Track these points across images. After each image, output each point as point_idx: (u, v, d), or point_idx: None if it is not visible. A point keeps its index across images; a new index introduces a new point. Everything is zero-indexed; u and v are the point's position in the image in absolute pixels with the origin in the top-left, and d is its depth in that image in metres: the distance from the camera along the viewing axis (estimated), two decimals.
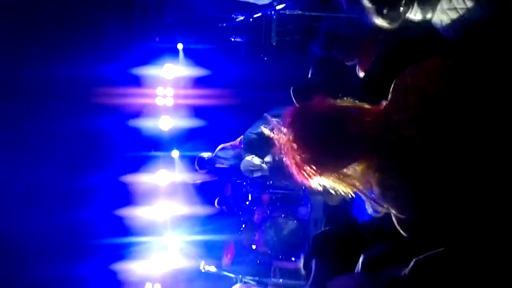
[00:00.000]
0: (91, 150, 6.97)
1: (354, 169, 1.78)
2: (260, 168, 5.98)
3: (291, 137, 1.79)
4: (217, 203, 7.38)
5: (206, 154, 6.75)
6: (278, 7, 5.06)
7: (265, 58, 6.02)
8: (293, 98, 2.91)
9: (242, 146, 6.16)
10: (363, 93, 2.34)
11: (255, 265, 7.02)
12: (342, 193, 1.84)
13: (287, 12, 5.07)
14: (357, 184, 1.79)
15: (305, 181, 1.81)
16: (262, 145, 5.86)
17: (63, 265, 6.44)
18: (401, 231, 1.81)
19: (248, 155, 5.94)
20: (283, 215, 7.08)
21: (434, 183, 1.69)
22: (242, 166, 6.05)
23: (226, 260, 7.08)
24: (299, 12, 5.10)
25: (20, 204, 6.50)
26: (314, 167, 1.77)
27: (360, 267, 2.19)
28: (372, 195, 1.81)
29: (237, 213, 7.36)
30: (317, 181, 1.80)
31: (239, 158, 6.41)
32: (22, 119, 6.54)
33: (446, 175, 1.68)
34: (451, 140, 1.69)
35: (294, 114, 1.83)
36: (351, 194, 1.84)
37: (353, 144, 1.74)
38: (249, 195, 7.29)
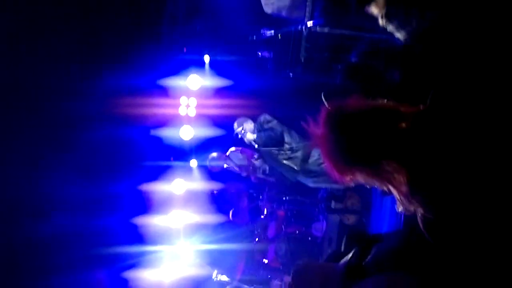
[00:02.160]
0: (112, 159, 7.05)
1: (387, 166, 1.81)
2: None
3: (326, 131, 1.85)
4: (232, 215, 7.41)
5: (216, 153, 6.81)
6: (308, 24, 5.14)
7: (291, 75, 6.08)
8: (325, 102, 2.96)
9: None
10: (399, 95, 2.40)
11: (266, 279, 7.01)
12: (379, 188, 1.88)
13: (318, 29, 5.15)
14: (388, 180, 1.82)
15: (339, 177, 1.86)
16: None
17: (79, 272, 6.48)
18: (426, 234, 1.84)
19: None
20: (297, 231, 7.08)
21: (461, 186, 1.73)
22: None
23: (237, 271, 7.08)
24: (329, 30, 5.18)
25: (39, 211, 6.56)
26: (347, 161, 1.83)
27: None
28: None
29: (251, 226, 7.38)
30: (351, 177, 1.86)
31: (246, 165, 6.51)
32: (48, 127, 6.63)
33: (473, 179, 1.72)
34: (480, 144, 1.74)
35: (332, 110, 1.88)
36: (386, 192, 1.88)
37: (387, 140, 1.78)
38: (265, 209, 7.31)
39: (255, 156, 6.54)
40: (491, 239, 1.76)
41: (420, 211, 1.82)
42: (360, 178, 1.87)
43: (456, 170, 1.74)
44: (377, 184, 1.88)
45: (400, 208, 1.88)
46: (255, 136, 6.12)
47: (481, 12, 2.95)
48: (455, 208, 1.76)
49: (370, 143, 1.80)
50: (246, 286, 6.39)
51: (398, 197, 1.85)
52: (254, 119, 6.28)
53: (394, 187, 1.83)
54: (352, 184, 1.99)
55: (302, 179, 6.15)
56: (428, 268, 1.94)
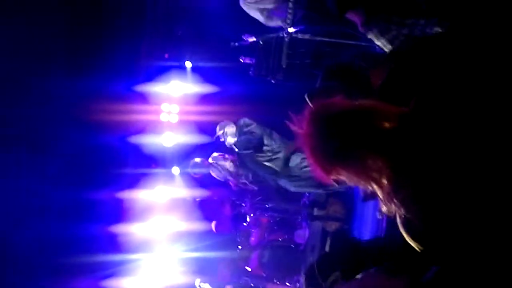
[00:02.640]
0: (93, 165, 6.98)
1: (370, 165, 1.80)
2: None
3: (311, 129, 1.84)
4: (215, 227, 7.36)
5: (199, 159, 6.74)
6: (290, 30, 5.12)
7: (273, 81, 6.06)
8: (309, 102, 2.94)
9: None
10: (382, 95, 2.40)
11: (249, 287, 6.97)
12: (361, 188, 1.88)
13: (299, 35, 5.14)
14: (372, 180, 1.82)
15: (323, 176, 1.85)
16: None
17: (54, 280, 6.39)
18: (406, 237, 1.82)
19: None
20: (280, 239, 7.06)
21: (443, 186, 1.72)
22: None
23: (221, 279, 7.03)
24: (310, 36, 5.17)
25: (15, 217, 6.46)
26: (331, 160, 1.82)
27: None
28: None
29: (234, 234, 7.33)
30: (335, 176, 1.85)
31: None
32: (27, 132, 6.54)
33: (457, 180, 1.71)
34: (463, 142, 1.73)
35: (315, 109, 1.88)
36: (368, 190, 1.87)
37: (371, 140, 1.78)
38: (248, 216, 7.28)
39: (236, 162, 6.48)
40: (473, 237, 1.75)
41: (400, 212, 1.81)
42: (345, 177, 1.86)
43: (438, 169, 1.73)
44: (361, 183, 1.86)
45: (383, 208, 1.87)
46: (235, 139, 6.07)
47: (463, 16, 2.95)
48: (436, 208, 1.74)
49: (355, 141, 1.79)
50: None
51: (381, 197, 1.84)
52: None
53: (378, 185, 1.83)
54: (336, 185, 1.98)
55: (284, 182, 6.11)
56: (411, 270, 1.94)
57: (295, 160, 5.82)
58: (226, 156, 6.57)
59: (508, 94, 1.80)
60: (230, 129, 6.17)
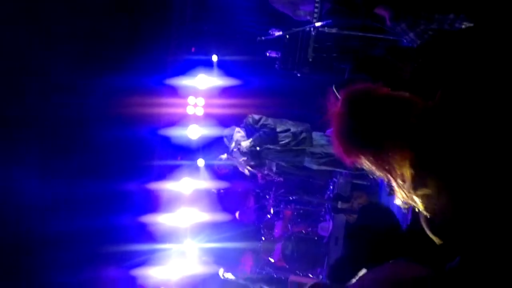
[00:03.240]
0: (121, 158, 7.08)
1: (392, 156, 1.84)
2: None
3: (343, 109, 1.90)
4: (238, 216, 7.45)
5: (225, 155, 6.80)
6: (317, 24, 5.16)
7: (299, 75, 6.10)
8: (336, 94, 2.99)
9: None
10: (411, 88, 2.45)
11: (272, 278, 7.04)
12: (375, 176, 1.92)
13: (326, 29, 5.17)
14: (391, 171, 1.85)
15: (344, 156, 1.90)
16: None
17: (85, 270, 6.53)
18: (426, 230, 1.87)
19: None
20: (303, 231, 7.11)
21: (464, 186, 1.75)
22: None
23: (244, 269, 7.12)
24: (337, 30, 5.20)
25: (47, 208, 6.60)
26: (356, 144, 1.87)
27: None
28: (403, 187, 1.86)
29: (257, 225, 7.41)
30: (356, 159, 1.89)
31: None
32: (58, 126, 6.67)
33: (479, 181, 1.74)
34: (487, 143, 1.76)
35: (352, 91, 1.94)
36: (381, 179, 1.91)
37: (397, 131, 1.82)
38: (271, 208, 7.35)
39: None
40: (495, 231, 1.77)
41: (419, 207, 1.84)
42: (364, 163, 1.90)
43: (462, 166, 1.76)
44: (379, 171, 1.89)
45: (397, 201, 1.91)
46: (250, 140, 6.08)
47: (490, 12, 2.97)
48: (459, 203, 1.77)
49: (380, 129, 1.83)
50: (251, 284, 6.43)
51: (397, 189, 1.87)
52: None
53: (395, 179, 1.86)
54: (355, 167, 2.00)
55: (307, 161, 6.13)
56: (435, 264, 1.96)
57: (316, 137, 5.86)
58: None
59: None
60: (238, 134, 6.19)
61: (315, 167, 6.14)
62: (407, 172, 1.82)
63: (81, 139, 6.82)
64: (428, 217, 1.84)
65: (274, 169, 6.59)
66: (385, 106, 1.86)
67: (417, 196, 1.82)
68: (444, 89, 1.92)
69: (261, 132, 6.03)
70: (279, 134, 5.98)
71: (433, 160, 1.79)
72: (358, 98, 1.91)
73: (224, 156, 6.74)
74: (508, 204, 1.75)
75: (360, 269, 2.61)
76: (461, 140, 1.78)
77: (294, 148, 5.99)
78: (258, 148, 6.17)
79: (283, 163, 6.28)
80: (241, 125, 6.30)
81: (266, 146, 6.07)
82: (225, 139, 6.35)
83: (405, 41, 3.91)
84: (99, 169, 6.76)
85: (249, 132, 6.18)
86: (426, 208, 1.84)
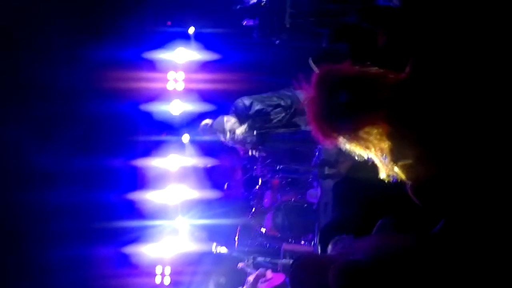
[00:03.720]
0: (101, 134, 7.02)
1: (369, 132, 1.87)
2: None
3: (316, 93, 1.91)
4: (227, 188, 7.43)
5: (209, 120, 6.72)
6: None
7: (277, 42, 6.01)
8: (314, 66, 2.96)
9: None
10: (383, 60, 2.42)
11: (265, 248, 7.07)
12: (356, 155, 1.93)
13: None
14: (370, 147, 1.89)
15: (322, 139, 1.93)
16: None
17: (75, 246, 6.51)
18: (412, 196, 1.90)
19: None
20: (293, 199, 7.11)
21: (443, 151, 1.79)
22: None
23: (236, 242, 7.14)
24: None
25: (32, 186, 6.55)
26: (332, 123, 1.89)
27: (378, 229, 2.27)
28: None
29: (247, 197, 7.40)
30: (334, 140, 1.91)
31: None
32: (34, 102, 6.57)
33: (456, 145, 1.78)
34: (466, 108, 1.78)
35: (322, 73, 1.95)
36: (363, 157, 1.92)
37: (371, 107, 1.85)
38: (259, 179, 7.33)
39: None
40: (476, 193, 1.80)
41: (402, 177, 1.87)
42: (342, 142, 1.93)
43: (437, 133, 1.79)
44: (358, 149, 1.92)
45: (381, 173, 1.93)
46: (245, 126, 5.98)
47: None
48: (438, 170, 1.81)
49: (353, 108, 1.86)
50: (245, 256, 6.45)
51: (379, 163, 1.92)
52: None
53: (376, 152, 1.89)
54: (333, 146, 2.01)
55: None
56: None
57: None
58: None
59: (502, 57, 1.81)
60: (228, 123, 6.08)
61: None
62: (386, 145, 1.86)
63: (63, 115, 6.73)
64: (411, 184, 1.87)
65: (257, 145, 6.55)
66: (357, 85, 1.87)
67: (398, 167, 1.86)
68: (414, 59, 1.93)
69: (254, 120, 5.96)
70: (271, 113, 5.93)
71: (409, 130, 1.82)
72: (329, 80, 1.92)
73: (208, 121, 6.65)
74: (488, 168, 1.77)
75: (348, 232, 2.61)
76: (434, 108, 1.80)
77: (288, 122, 5.94)
78: (255, 132, 6.07)
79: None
80: (230, 113, 6.21)
81: (264, 131, 6.00)
82: (218, 134, 6.23)
83: (381, 0, 3.85)
84: (81, 145, 6.69)
85: (242, 117, 6.07)
86: (408, 178, 1.87)
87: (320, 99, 1.90)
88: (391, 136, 1.83)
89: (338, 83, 1.89)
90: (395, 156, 1.84)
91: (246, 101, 6.01)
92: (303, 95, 1.99)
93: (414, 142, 1.81)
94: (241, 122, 6.04)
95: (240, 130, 6.02)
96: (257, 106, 5.96)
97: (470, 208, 1.81)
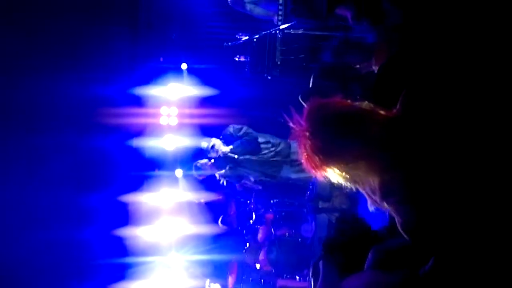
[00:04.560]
0: (95, 169, 6.98)
1: (359, 167, 1.88)
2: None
3: (307, 126, 1.91)
4: (221, 222, 7.39)
5: (203, 160, 6.74)
6: (282, 27, 5.13)
7: (269, 77, 6.07)
8: (304, 103, 2.98)
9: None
10: (374, 96, 2.44)
11: (259, 284, 7.00)
12: (347, 187, 1.95)
13: (292, 31, 5.14)
14: (360, 181, 1.90)
15: (312, 171, 1.93)
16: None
17: (65, 285, 6.42)
18: (402, 233, 1.88)
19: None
20: (287, 234, 7.07)
21: (432, 190, 1.78)
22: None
23: (230, 279, 7.06)
24: (303, 31, 5.18)
25: (19, 222, 6.47)
26: (322, 157, 1.88)
27: (370, 263, 2.24)
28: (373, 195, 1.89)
29: (241, 232, 7.36)
30: (323, 172, 1.92)
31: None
32: (23, 137, 6.54)
33: (445, 183, 1.77)
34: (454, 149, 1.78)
35: (313, 107, 1.95)
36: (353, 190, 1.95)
37: (361, 143, 1.85)
38: (253, 213, 7.30)
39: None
40: (465, 232, 1.79)
41: (392, 213, 1.86)
42: (332, 176, 1.93)
43: (427, 171, 1.79)
44: (347, 183, 1.93)
45: (370, 207, 1.94)
46: (230, 147, 6.07)
47: (454, 11, 2.95)
48: (427, 207, 1.79)
49: (344, 143, 1.86)
50: None
51: (368, 198, 1.92)
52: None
53: (364, 188, 1.90)
54: (326, 180, 2.01)
55: (285, 171, 6.16)
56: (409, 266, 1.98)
57: (294, 144, 5.87)
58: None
59: (494, 95, 1.83)
60: (216, 140, 6.18)
61: (293, 175, 6.18)
62: (375, 180, 1.86)
63: (54, 151, 6.70)
64: (400, 220, 1.85)
65: (252, 179, 6.58)
66: (348, 119, 1.88)
67: (387, 203, 1.85)
68: (405, 96, 1.94)
69: (243, 140, 6.02)
70: (261, 145, 6.01)
71: (398, 168, 1.81)
72: (320, 113, 1.93)
73: (202, 161, 6.68)
74: (475, 211, 1.76)
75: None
76: (423, 147, 1.80)
77: (271, 159, 6.03)
78: (236, 157, 6.14)
79: (257, 174, 6.27)
80: (220, 137, 6.28)
81: (245, 156, 6.06)
82: (211, 151, 6.28)
83: (370, 38, 3.89)
84: (72, 182, 6.64)
85: (228, 141, 6.16)
86: (397, 214, 1.85)
87: (311, 132, 1.90)
88: (380, 172, 1.84)
89: (329, 116, 1.91)
90: (384, 192, 1.84)
91: (237, 125, 6.13)
92: (295, 142, 2.01)
93: (403, 179, 1.81)
94: (227, 144, 6.14)
95: (224, 147, 6.11)
96: (247, 130, 6.06)
97: (460, 248, 1.80)
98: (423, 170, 1.79)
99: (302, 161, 1.95)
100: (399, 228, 1.87)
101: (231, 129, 6.19)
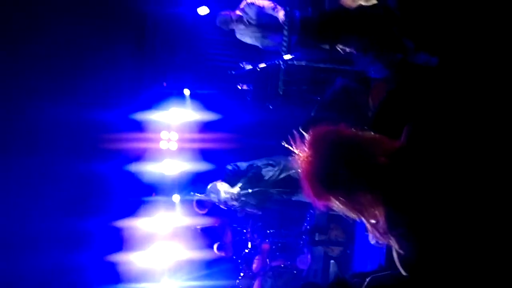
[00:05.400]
0: (92, 194, 6.96)
1: (364, 198, 1.83)
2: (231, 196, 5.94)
3: (310, 154, 1.87)
4: (217, 249, 7.31)
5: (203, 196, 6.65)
6: (285, 57, 5.16)
7: (270, 107, 6.09)
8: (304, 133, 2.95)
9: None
10: (374, 128, 2.42)
11: None
12: (347, 217, 1.90)
13: (295, 62, 5.18)
14: (364, 211, 1.84)
15: (314, 199, 1.88)
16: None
17: None
18: (400, 268, 1.84)
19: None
20: (282, 265, 7.00)
21: (439, 226, 1.75)
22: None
23: None
24: (306, 63, 5.21)
25: (15, 245, 6.42)
26: (325, 187, 1.85)
27: None
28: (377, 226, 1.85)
29: (236, 260, 7.28)
30: (326, 201, 1.87)
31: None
32: (21, 160, 6.52)
33: (449, 215, 1.75)
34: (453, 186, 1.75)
35: (319, 133, 1.92)
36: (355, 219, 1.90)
37: (366, 171, 1.81)
38: (249, 242, 7.23)
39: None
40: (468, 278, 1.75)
41: (395, 246, 1.82)
42: (334, 205, 1.88)
43: (434, 209, 1.75)
44: (350, 212, 1.88)
45: (371, 240, 1.90)
46: (238, 186, 5.93)
47: (456, 47, 2.98)
48: (430, 246, 1.76)
49: (348, 171, 1.82)
50: None
51: (370, 229, 1.87)
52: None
53: (367, 219, 1.85)
54: (325, 209, 1.97)
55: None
56: None
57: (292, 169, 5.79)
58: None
59: (497, 129, 1.82)
60: (221, 186, 6.05)
61: (293, 197, 6.09)
62: (381, 212, 1.81)
63: (53, 175, 6.68)
64: (402, 254, 1.81)
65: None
66: (352, 147, 1.85)
67: (392, 235, 1.80)
68: (410, 127, 1.91)
69: (249, 175, 5.94)
70: (262, 171, 5.94)
71: (404, 200, 1.78)
72: (325, 140, 1.90)
73: (201, 197, 6.58)
74: (475, 248, 1.73)
75: None
76: (429, 181, 1.77)
77: (280, 177, 5.91)
78: (250, 191, 5.99)
79: (274, 196, 6.12)
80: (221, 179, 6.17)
81: (255, 189, 5.97)
82: (221, 200, 6.16)
83: (372, 71, 3.91)
84: (70, 206, 6.60)
85: (233, 178, 6.02)
86: (400, 247, 1.81)
87: (315, 159, 1.86)
88: (386, 203, 1.79)
89: (334, 143, 1.87)
90: (390, 224, 1.79)
91: (239, 164, 6.05)
92: (294, 158, 1.96)
93: (407, 212, 1.77)
94: (232, 185, 6.00)
95: (236, 189, 5.95)
96: (246, 164, 5.99)
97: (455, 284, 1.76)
98: (430, 204, 1.75)
99: (304, 189, 1.90)
100: (398, 262, 1.83)
101: (230, 167, 6.05)
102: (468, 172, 1.77)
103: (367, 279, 2.32)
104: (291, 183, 5.89)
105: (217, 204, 6.08)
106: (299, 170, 1.93)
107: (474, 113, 1.96)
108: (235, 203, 5.94)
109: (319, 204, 1.90)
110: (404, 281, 1.94)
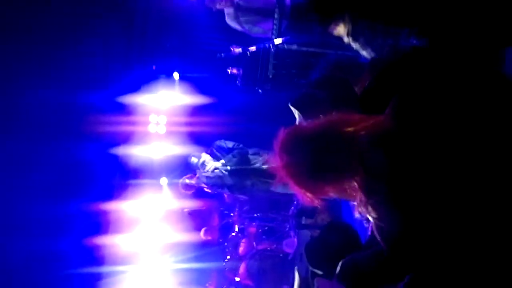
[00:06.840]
0: (78, 177, 6.94)
1: (351, 180, 1.84)
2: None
3: (285, 163, 1.85)
4: (204, 234, 7.36)
5: (187, 178, 6.70)
6: (276, 41, 5.17)
7: (260, 91, 6.09)
8: (295, 110, 2.96)
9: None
10: (362, 105, 2.44)
11: None
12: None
13: (285, 46, 5.19)
14: (352, 192, 1.85)
15: (312, 197, 1.86)
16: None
17: None
18: (381, 242, 1.86)
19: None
20: (268, 248, 7.06)
21: (414, 195, 1.75)
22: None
23: None
24: (296, 47, 5.22)
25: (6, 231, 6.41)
26: (313, 186, 1.84)
27: (337, 275, 2.22)
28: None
29: (222, 243, 7.33)
30: (323, 194, 1.88)
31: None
32: (5, 143, 6.48)
33: (426, 186, 1.74)
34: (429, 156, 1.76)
35: (283, 137, 1.88)
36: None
37: (343, 155, 1.80)
38: (236, 226, 7.29)
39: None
40: (443, 244, 1.77)
41: (372, 216, 1.84)
42: (332, 192, 1.88)
43: (409, 175, 1.75)
44: (341, 196, 1.90)
45: (356, 213, 1.90)
46: (222, 161, 6.04)
47: (444, 30, 3.00)
48: (406, 212, 1.77)
49: (331, 157, 1.81)
50: None
51: (357, 205, 1.87)
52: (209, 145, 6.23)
53: (356, 195, 1.85)
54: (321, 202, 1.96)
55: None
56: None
57: None
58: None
59: (486, 110, 1.82)
60: (206, 156, 6.14)
61: (280, 190, 6.16)
62: (358, 185, 1.82)
63: (41, 158, 6.65)
64: (384, 228, 1.83)
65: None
66: (323, 134, 1.84)
67: (371, 205, 1.80)
68: (396, 100, 1.91)
69: (234, 152, 6.00)
70: (250, 156, 5.99)
71: (377, 171, 1.78)
72: (292, 142, 1.87)
73: (192, 181, 6.62)
74: (458, 224, 1.74)
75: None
76: (412, 150, 1.76)
77: (263, 167, 5.99)
78: (228, 168, 6.06)
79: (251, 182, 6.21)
80: (207, 151, 6.26)
81: (237, 167, 6.03)
82: (201, 168, 6.23)
83: (363, 56, 3.93)
84: (57, 189, 6.59)
85: (217, 155, 6.11)
86: (380, 219, 1.82)
87: (291, 161, 1.84)
88: (363, 172, 1.79)
89: (303, 141, 1.84)
90: (367, 193, 1.79)
91: (227, 142, 6.11)
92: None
93: (384, 179, 1.77)
94: (215, 159, 6.10)
95: (214, 162, 6.05)
96: (234, 144, 6.06)
97: (437, 265, 1.78)
98: (411, 173, 1.74)
99: (295, 192, 1.88)
100: (379, 236, 1.84)
101: (222, 143, 6.16)
102: (453, 145, 1.76)
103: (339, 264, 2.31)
104: (273, 175, 5.96)
105: (193, 168, 6.18)
106: (285, 182, 1.90)
107: (461, 88, 1.94)
108: (209, 174, 6.02)
109: (319, 200, 1.88)
110: (381, 260, 1.98)
